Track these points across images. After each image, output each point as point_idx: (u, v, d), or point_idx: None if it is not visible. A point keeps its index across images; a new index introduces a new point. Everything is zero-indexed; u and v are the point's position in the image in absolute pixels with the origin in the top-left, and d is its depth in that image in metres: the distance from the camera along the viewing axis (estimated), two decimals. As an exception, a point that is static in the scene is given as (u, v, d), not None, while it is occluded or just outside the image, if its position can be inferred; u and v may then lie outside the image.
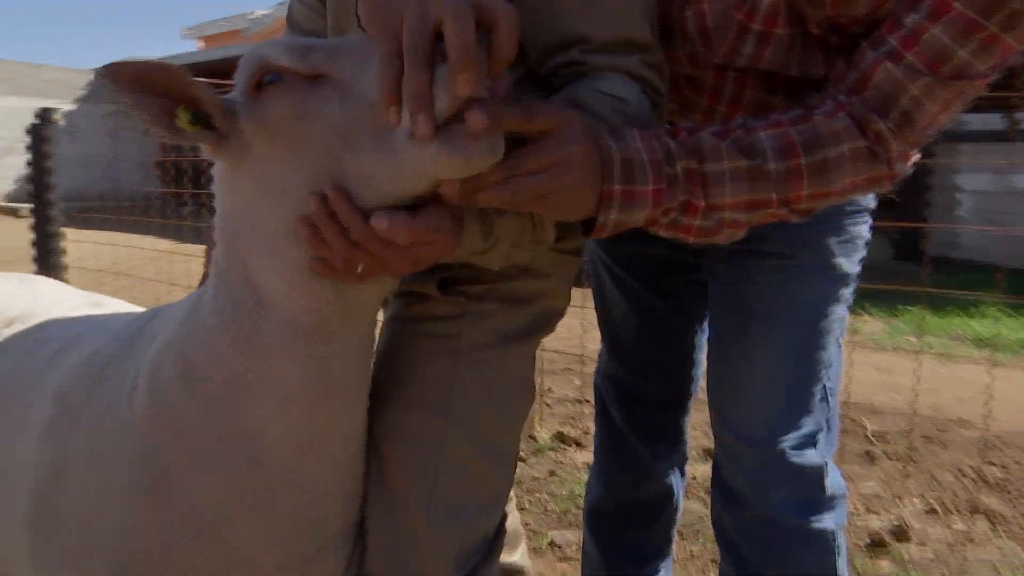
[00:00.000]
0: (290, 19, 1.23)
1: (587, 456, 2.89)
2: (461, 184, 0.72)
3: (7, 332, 1.20)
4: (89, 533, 0.90)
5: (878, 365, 4.24)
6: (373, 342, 0.94)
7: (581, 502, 1.71)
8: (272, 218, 0.81)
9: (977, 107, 1.58)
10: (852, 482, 2.73)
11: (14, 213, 12.23)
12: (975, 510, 2.53)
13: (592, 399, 1.57)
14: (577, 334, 2.85)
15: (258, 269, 0.84)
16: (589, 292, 1.52)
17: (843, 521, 1.21)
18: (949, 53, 0.82)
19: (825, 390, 1.17)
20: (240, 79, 0.81)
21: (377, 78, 0.69)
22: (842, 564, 1.19)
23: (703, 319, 1.37)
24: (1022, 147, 8.72)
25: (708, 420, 1.26)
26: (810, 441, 1.15)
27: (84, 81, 16.17)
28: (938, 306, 5.68)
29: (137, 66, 0.77)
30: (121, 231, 5.48)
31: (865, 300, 5.72)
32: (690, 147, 0.84)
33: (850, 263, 1.17)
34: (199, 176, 3.63)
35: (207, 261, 1.10)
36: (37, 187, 3.02)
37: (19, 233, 4.81)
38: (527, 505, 2.54)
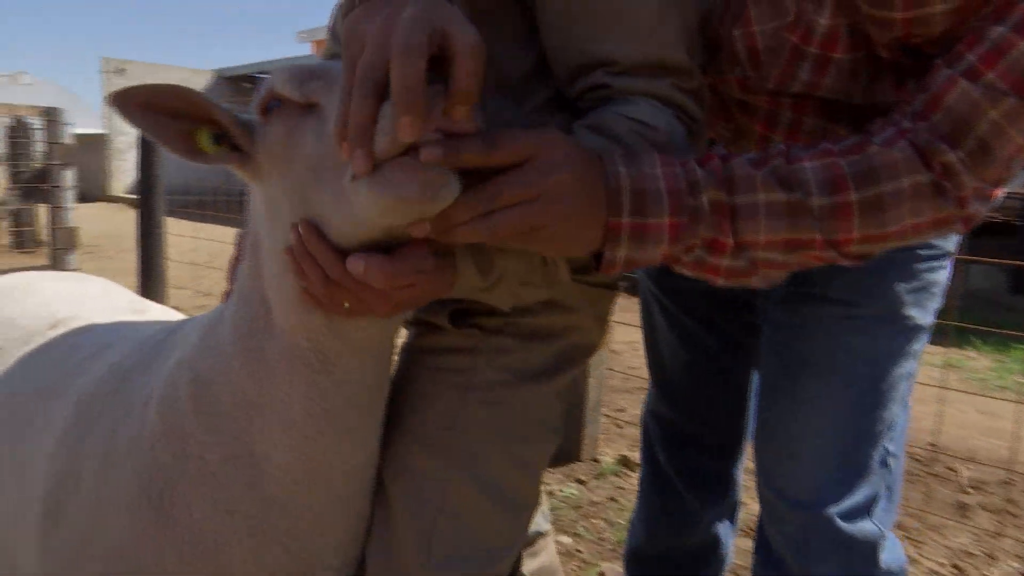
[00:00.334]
0: (332, 31, 1.21)
1: (650, 484, 2.78)
2: (431, 224, 0.67)
3: (51, 334, 1.23)
4: (88, 539, 0.91)
5: (981, 407, 3.91)
6: (385, 378, 0.91)
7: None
8: (272, 241, 0.82)
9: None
10: (940, 535, 2.52)
11: (135, 204, 13.04)
12: (1079, 578, 2.28)
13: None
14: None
15: (268, 288, 0.84)
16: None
17: None
18: None
19: (886, 453, 1.05)
20: (253, 101, 0.81)
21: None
22: None
23: (759, 361, 1.26)
24: None
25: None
26: (864, 509, 1.04)
27: (202, 81, 17.10)
28: (1057, 345, 5.22)
29: (148, 90, 0.77)
30: (225, 226, 5.72)
31: (972, 334, 5.31)
32: (721, 176, 0.74)
33: (922, 313, 1.05)
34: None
35: (230, 277, 1.09)
36: (143, 181, 3.17)
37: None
38: (581, 531, 2.45)
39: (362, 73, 0.61)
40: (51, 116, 6.06)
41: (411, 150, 0.62)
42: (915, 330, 1.05)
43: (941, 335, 2.48)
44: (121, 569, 0.89)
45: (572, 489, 2.73)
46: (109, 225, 9.84)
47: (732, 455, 1.35)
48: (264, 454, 0.86)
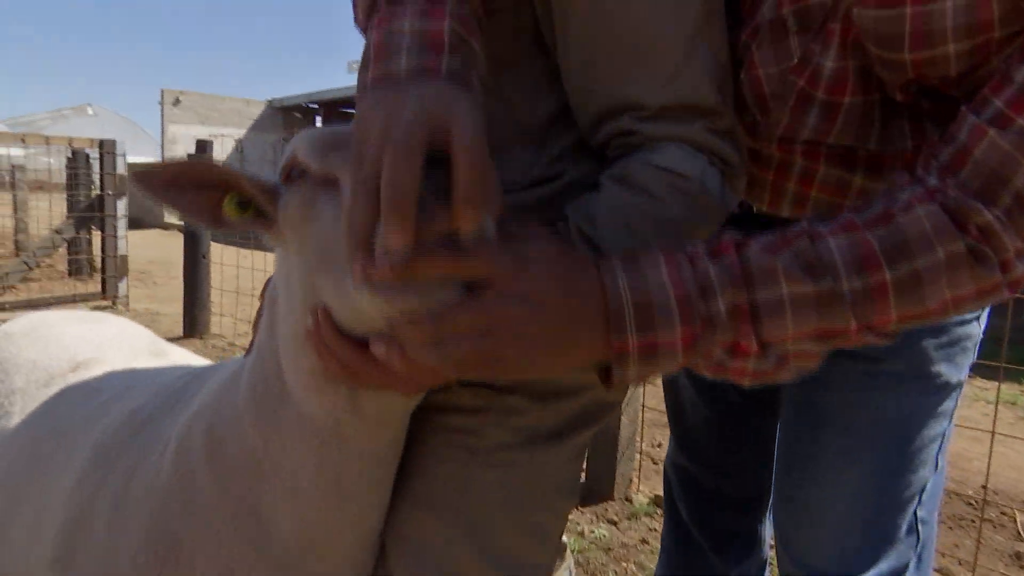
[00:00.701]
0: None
1: (685, 526, 2.70)
2: (384, 343, 0.66)
3: (72, 377, 1.25)
4: None
5: (1041, 449, 3.73)
6: (398, 448, 0.88)
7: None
8: (288, 308, 0.80)
9: None
10: (994, 587, 2.39)
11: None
12: None
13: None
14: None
15: (284, 356, 0.82)
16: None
17: None
18: None
19: (915, 519, 0.99)
20: (279, 165, 0.80)
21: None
22: None
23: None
24: None
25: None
26: (891, 581, 0.97)
27: (255, 111, 17.59)
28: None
29: (171, 169, 0.77)
30: (271, 253, 5.81)
31: (1031, 370, 5.08)
32: (737, 272, 0.67)
33: (954, 370, 0.99)
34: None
35: (255, 328, 1.08)
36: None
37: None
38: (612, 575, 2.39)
39: (363, 174, 0.60)
40: (105, 148, 6.29)
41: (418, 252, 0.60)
42: (945, 388, 0.99)
43: (994, 370, 2.37)
44: None
45: (603, 530, 2.67)
46: (161, 252, 10.11)
47: (757, 511, 1.29)
48: (270, 517, 0.84)
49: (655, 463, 3.31)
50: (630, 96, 0.79)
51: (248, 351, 1.03)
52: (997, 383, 2.39)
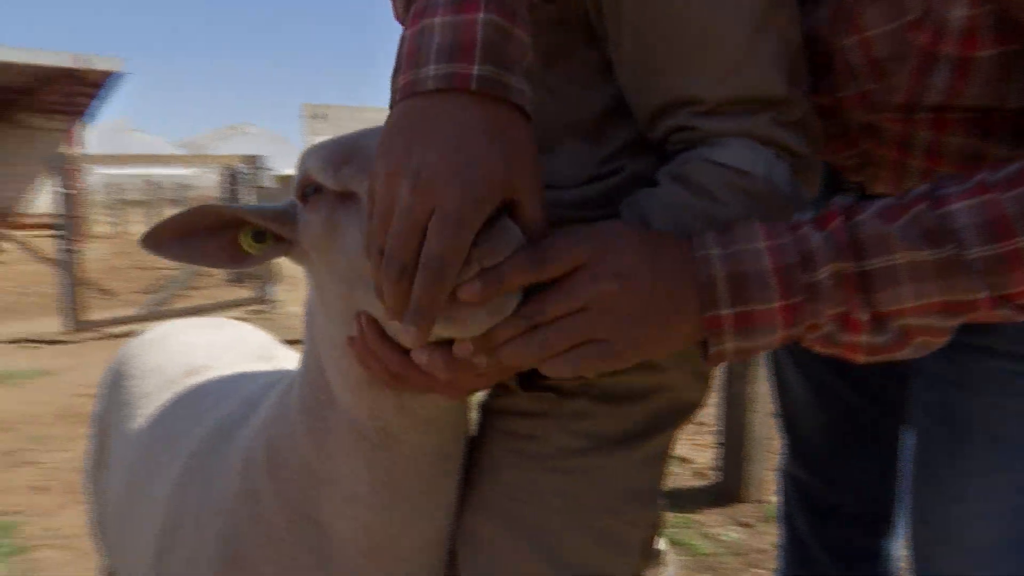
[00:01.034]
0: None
1: (826, 532, 2.52)
2: (473, 343, 0.64)
3: (186, 381, 1.32)
4: None
5: None
6: (457, 446, 0.87)
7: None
8: (328, 321, 0.81)
9: None
10: None
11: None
12: None
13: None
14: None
15: (327, 366, 0.83)
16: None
17: None
18: None
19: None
20: (292, 184, 0.80)
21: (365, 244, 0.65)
22: None
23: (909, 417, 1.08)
24: None
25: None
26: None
27: (393, 118, 18.33)
28: None
29: (175, 222, 0.79)
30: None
31: None
32: (844, 240, 0.62)
33: None
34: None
35: None
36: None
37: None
38: (743, 582, 2.27)
39: (391, 248, 0.59)
40: (255, 163, 6.74)
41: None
42: None
43: None
44: None
45: (735, 533, 2.54)
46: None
47: (882, 527, 1.16)
48: (330, 524, 0.84)
49: (795, 463, 3.12)
50: (689, 91, 0.74)
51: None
52: None
